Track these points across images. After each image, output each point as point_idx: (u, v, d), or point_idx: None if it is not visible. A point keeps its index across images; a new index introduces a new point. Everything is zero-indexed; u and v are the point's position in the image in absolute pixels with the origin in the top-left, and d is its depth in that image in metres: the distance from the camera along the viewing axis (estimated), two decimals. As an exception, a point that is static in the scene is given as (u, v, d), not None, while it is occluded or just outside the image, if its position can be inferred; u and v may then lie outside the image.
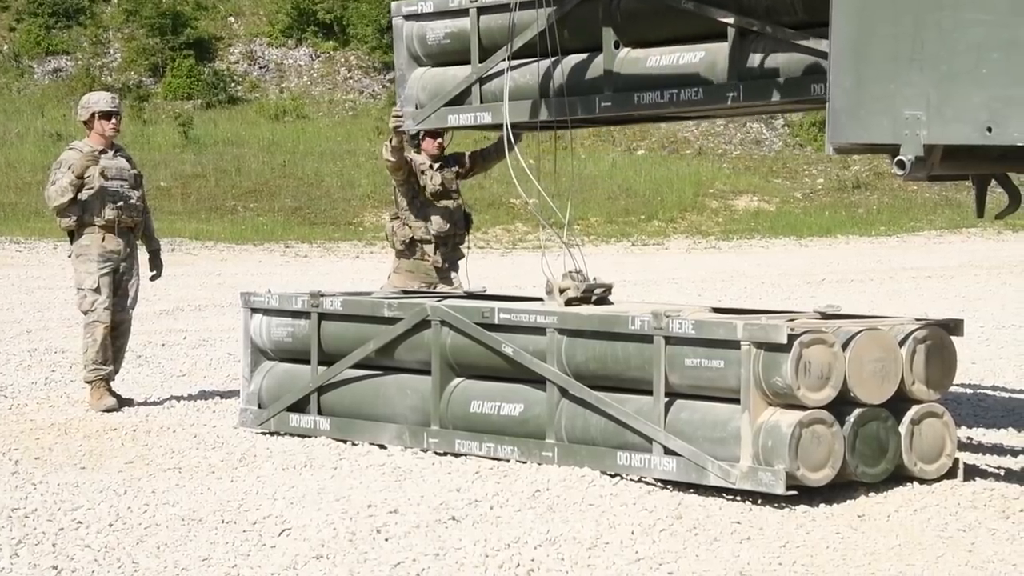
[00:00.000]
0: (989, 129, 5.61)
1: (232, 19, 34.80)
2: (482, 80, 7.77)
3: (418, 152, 8.60)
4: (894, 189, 28.77)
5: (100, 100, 8.50)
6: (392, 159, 8.38)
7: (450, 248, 8.60)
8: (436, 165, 8.56)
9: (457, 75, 7.91)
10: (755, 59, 6.88)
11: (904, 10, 5.75)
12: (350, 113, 32.54)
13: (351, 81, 33.70)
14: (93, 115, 8.47)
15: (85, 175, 8.32)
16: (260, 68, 33.76)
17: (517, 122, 7.70)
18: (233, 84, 32.85)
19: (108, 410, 8.34)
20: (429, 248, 8.52)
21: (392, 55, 8.52)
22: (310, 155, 28.27)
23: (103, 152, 8.48)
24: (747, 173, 29.81)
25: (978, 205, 6.71)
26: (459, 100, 7.90)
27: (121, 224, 8.47)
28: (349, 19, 33.79)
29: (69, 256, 8.56)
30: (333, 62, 34.07)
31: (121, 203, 8.45)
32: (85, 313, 8.51)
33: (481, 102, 7.80)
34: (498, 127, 7.76)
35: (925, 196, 28.69)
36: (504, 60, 7.53)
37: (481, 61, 7.75)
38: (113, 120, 8.42)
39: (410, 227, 8.49)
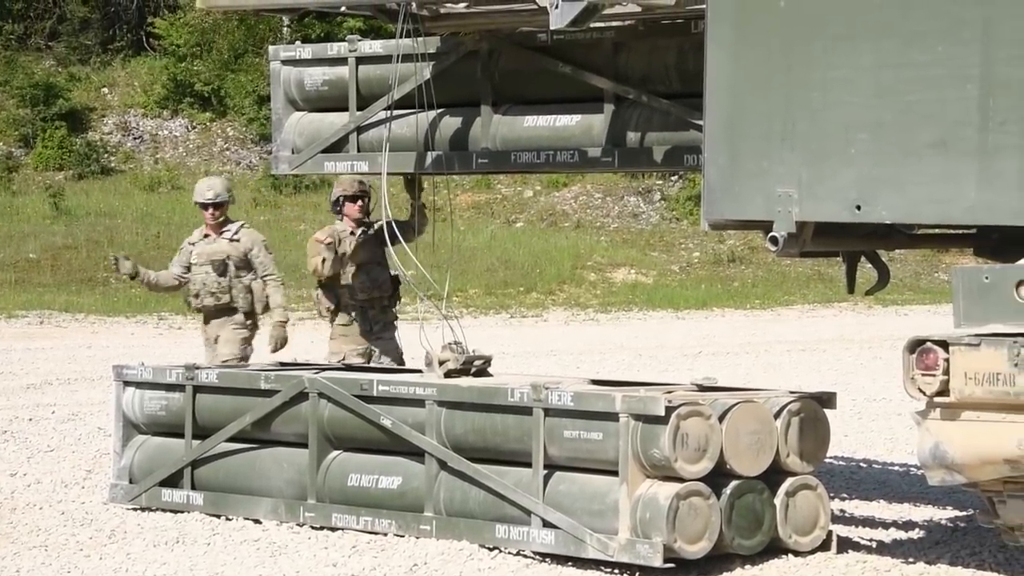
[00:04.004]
0: (858, 207, 5.76)
1: (106, 90, 34.40)
2: (360, 128, 7.78)
3: (340, 219, 8.47)
4: (768, 263, 29.27)
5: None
6: (329, 273, 8.35)
7: (378, 311, 8.56)
8: (359, 231, 8.45)
9: (335, 122, 7.88)
10: (630, 126, 6.99)
11: (776, 90, 5.90)
12: (227, 184, 32.27)
13: (228, 152, 33.44)
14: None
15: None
16: (135, 139, 33.35)
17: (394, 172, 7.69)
18: (106, 155, 32.39)
19: None
20: (355, 314, 8.51)
21: (270, 127, 8.42)
22: (185, 226, 27.83)
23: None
24: (624, 246, 30.14)
25: (849, 281, 6.85)
26: (336, 147, 7.86)
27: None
28: (227, 90, 33.57)
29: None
30: (210, 133, 33.81)
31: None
32: None
33: (358, 151, 7.80)
34: (375, 175, 7.78)
35: (798, 271, 29.23)
36: (383, 111, 7.53)
37: (359, 110, 7.76)
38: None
39: (334, 294, 8.47)
